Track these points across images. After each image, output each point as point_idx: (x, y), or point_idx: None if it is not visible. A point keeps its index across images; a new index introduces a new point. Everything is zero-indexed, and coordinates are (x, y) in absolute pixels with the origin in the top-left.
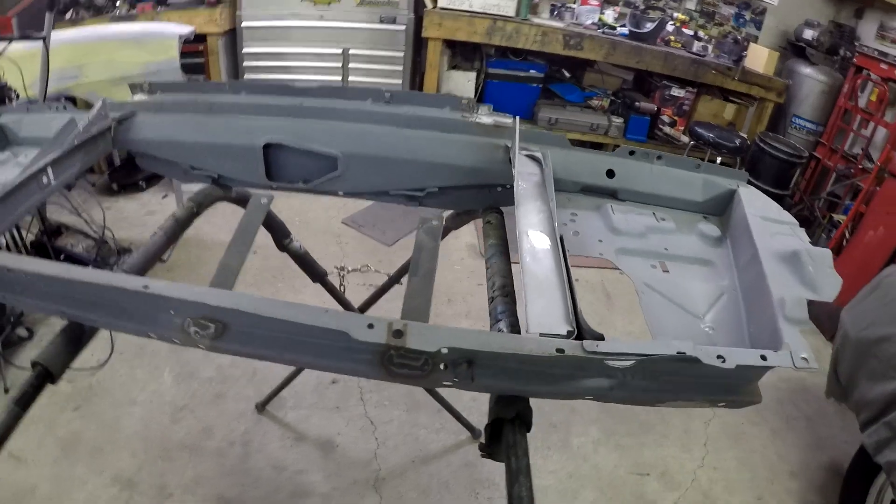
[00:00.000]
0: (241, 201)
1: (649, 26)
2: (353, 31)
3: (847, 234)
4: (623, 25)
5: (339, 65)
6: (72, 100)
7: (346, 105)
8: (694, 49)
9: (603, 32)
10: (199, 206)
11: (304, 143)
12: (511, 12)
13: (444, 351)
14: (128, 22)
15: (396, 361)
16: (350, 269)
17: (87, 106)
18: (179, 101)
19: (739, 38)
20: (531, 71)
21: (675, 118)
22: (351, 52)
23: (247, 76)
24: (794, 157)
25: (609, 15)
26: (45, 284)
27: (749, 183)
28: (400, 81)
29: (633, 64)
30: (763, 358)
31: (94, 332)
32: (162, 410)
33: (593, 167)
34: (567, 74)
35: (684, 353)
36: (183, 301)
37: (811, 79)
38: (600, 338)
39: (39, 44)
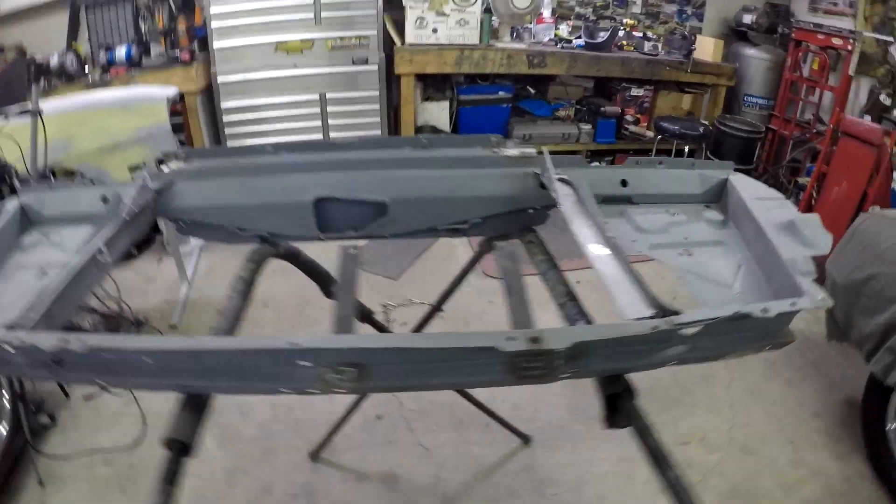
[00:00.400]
0: (289, 256)
1: (603, 35)
2: (327, 76)
3: (814, 194)
4: (578, 37)
5: (318, 110)
6: (53, 173)
7: (387, 154)
8: (646, 49)
9: (562, 47)
10: (258, 265)
11: (354, 193)
12: (475, 40)
13: (567, 347)
14: (105, 87)
15: (524, 366)
16: (395, 304)
17: (79, 176)
18: (220, 166)
19: (686, 33)
20: (500, 93)
21: (638, 116)
22: (328, 96)
23: (227, 131)
24: (753, 132)
25: (563, 30)
26: (168, 361)
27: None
28: (378, 119)
29: (593, 73)
30: (793, 304)
31: (212, 397)
32: (214, 476)
33: (609, 179)
34: (532, 91)
35: (739, 312)
36: (331, 350)
37: (756, 59)
38: (677, 313)
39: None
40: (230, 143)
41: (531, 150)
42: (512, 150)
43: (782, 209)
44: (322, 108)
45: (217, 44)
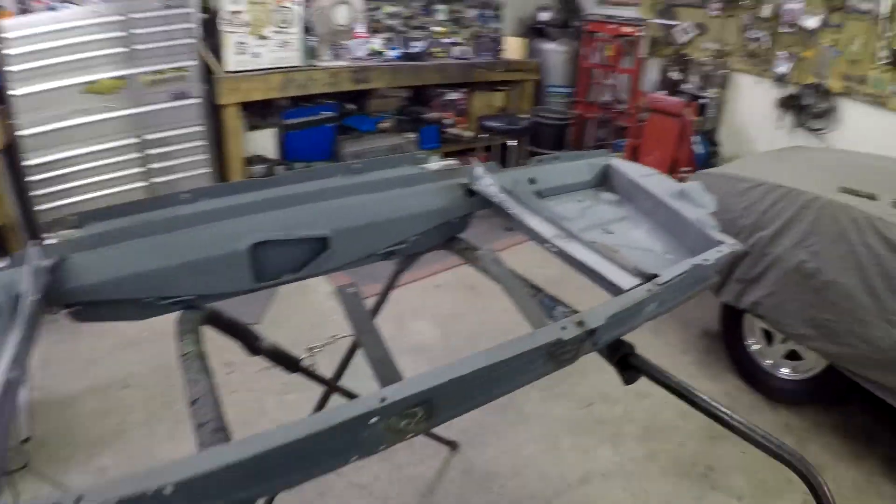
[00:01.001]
0: (212, 318)
1: (418, 45)
2: (145, 115)
3: None
4: (392, 49)
5: (138, 155)
6: None
7: (320, 185)
8: (457, 54)
9: (384, 61)
10: (197, 334)
11: (292, 231)
12: (298, 62)
13: (602, 324)
14: None
15: (560, 352)
16: (319, 345)
17: None
18: (125, 226)
19: (495, 35)
20: (324, 113)
21: (456, 118)
22: (147, 137)
23: (37, 192)
24: (564, 119)
25: (377, 42)
26: (205, 485)
27: (532, 151)
28: (205, 156)
29: (415, 82)
30: (719, 251)
31: None
32: None
33: (519, 179)
34: (353, 107)
35: (694, 264)
36: (403, 399)
37: (555, 52)
38: (656, 275)
39: None
40: (41, 207)
41: (454, 162)
42: (436, 165)
43: (664, 182)
44: (142, 153)
45: (16, 91)
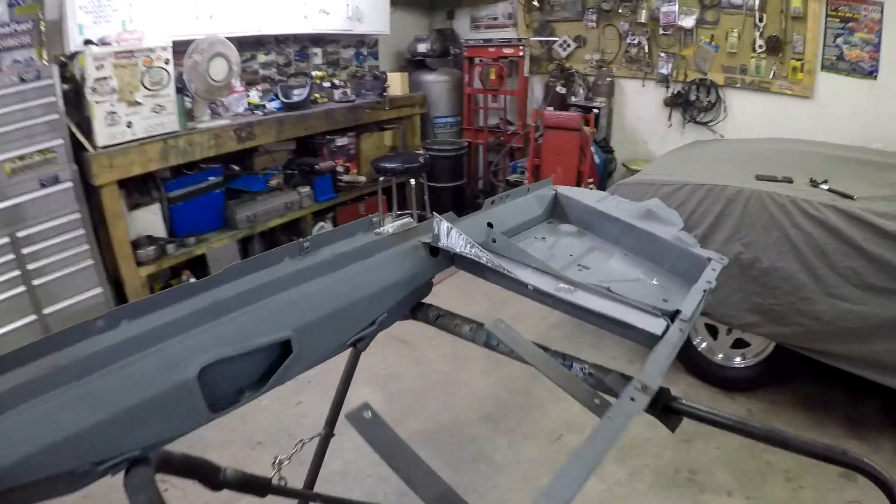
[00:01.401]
0: (163, 465)
1: (299, 93)
2: (12, 210)
3: None
4: (271, 100)
5: (12, 256)
6: None
7: (267, 276)
8: (337, 98)
9: (267, 114)
10: (156, 491)
11: (247, 342)
12: (176, 126)
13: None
14: None
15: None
16: (286, 456)
17: None
18: (28, 379)
19: (378, 72)
20: (210, 178)
21: (348, 164)
22: (19, 235)
23: None
24: (459, 149)
25: (255, 95)
26: None
27: (431, 186)
28: (87, 247)
29: (302, 132)
30: (714, 268)
31: None
32: None
33: (478, 226)
34: (238, 168)
35: (704, 290)
36: None
37: (437, 82)
38: (678, 311)
39: None
40: None
41: (410, 221)
42: (392, 226)
43: (622, 203)
44: (16, 253)
45: None
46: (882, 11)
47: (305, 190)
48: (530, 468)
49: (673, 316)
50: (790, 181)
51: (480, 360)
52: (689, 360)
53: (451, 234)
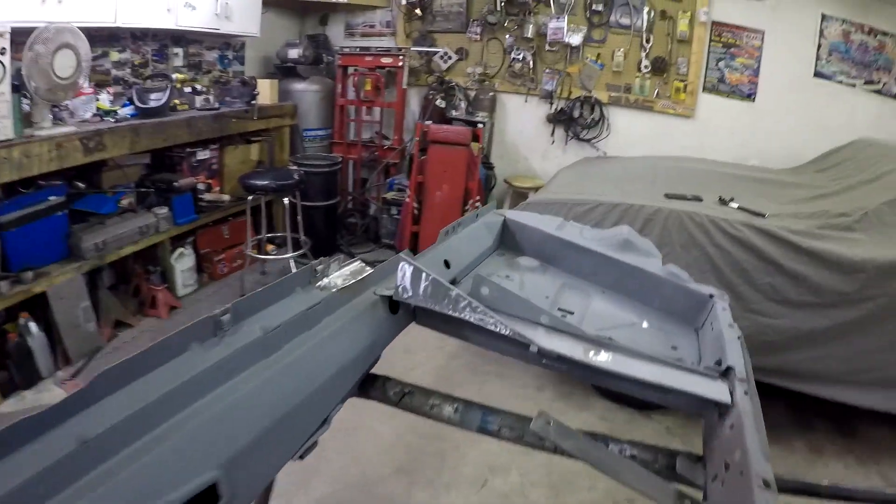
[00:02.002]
0: None
1: (157, 97)
2: None
3: (416, 205)
4: (124, 106)
5: None
6: None
7: (164, 383)
8: (198, 105)
9: (116, 121)
10: None
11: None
12: (10, 133)
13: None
14: None
15: None
16: None
17: None
18: None
19: (246, 78)
20: (50, 198)
21: (210, 181)
22: None
23: None
24: (333, 164)
25: (105, 99)
26: None
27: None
28: None
29: (160, 143)
30: (724, 308)
31: None
32: None
33: (436, 263)
34: (83, 186)
35: (740, 336)
36: None
37: (308, 92)
38: (721, 364)
39: None
40: None
41: (360, 266)
42: (340, 277)
43: (586, 231)
44: None
45: None
46: (763, 39)
47: (163, 211)
48: None
49: (726, 373)
50: (699, 199)
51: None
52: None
53: (425, 286)
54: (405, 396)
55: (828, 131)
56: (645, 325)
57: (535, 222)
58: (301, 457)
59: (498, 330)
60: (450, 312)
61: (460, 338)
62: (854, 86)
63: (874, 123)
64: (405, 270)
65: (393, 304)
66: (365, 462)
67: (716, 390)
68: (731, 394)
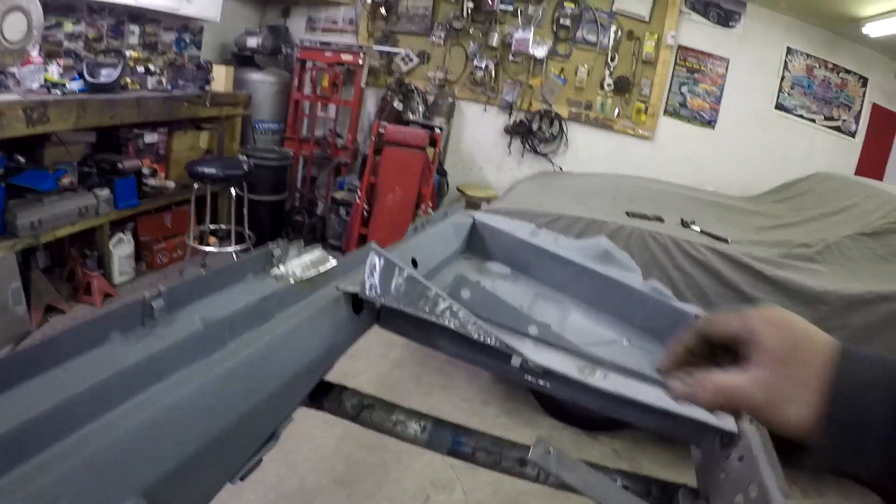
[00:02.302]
0: None
1: (109, 73)
2: None
3: (366, 207)
4: (73, 79)
5: None
6: None
7: (75, 382)
8: (150, 85)
9: (62, 94)
10: None
11: None
12: None
13: None
14: None
15: None
16: None
17: None
18: None
19: (202, 62)
20: None
21: (155, 166)
22: None
23: None
24: (284, 159)
25: (54, 71)
26: None
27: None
28: None
29: (108, 121)
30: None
31: None
32: None
33: (404, 262)
34: (23, 160)
35: None
36: None
37: (264, 83)
38: None
39: None
40: None
41: (323, 255)
42: (299, 264)
43: (561, 239)
44: None
45: None
46: (727, 67)
47: (104, 193)
48: None
49: None
50: (661, 220)
51: None
52: (549, 400)
53: (398, 283)
54: (364, 410)
55: (785, 163)
56: (626, 342)
57: (507, 227)
58: (242, 478)
59: (481, 339)
60: (424, 316)
61: (428, 345)
62: (814, 121)
63: (831, 160)
64: (376, 264)
65: (356, 303)
66: (302, 470)
67: (719, 417)
68: (736, 422)
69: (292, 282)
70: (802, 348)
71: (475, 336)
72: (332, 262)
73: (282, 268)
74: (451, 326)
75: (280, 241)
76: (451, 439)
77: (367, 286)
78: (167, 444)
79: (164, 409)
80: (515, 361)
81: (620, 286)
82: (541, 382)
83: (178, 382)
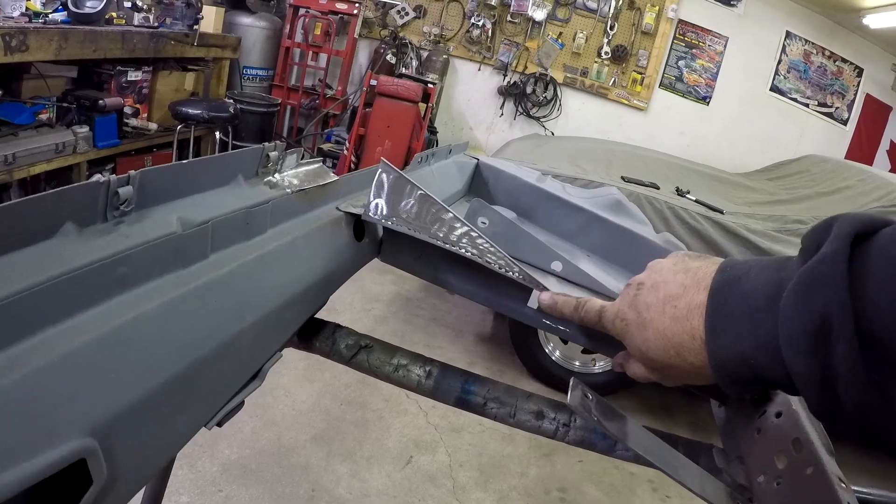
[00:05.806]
0: None
1: (93, 4)
2: None
3: (354, 159)
4: (56, 10)
5: None
6: None
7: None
8: (136, 21)
9: (44, 23)
10: None
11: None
12: None
13: None
14: None
15: None
16: None
17: None
18: None
19: (192, 0)
20: None
21: (138, 106)
22: None
23: None
24: (271, 106)
25: (37, 1)
26: None
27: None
28: None
29: (90, 54)
30: None
31: None
32: None
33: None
34: (1, 91)
35: None
36: None
37: (254, 27)
38: None
39: None
40: None
41: (319, 167)
42: (295, 175)
43: (570, 188)
44: None
45: None
46: (726, 45)
47: (83, 131)
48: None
49: None
50: (657, 187)
51: (299, 361)
52: (540, 369)
53: (409, 203)
54: (361, 351)
55: (775, 145)
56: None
57: (513, 170)
58: (219, 424)
59: (502, 271)
60: (437, 242)
61: (435, 280)
62: (807, 105)
63: (821, 145)
64: (384, 181)
65: (358, 229)
66: (279, 426)
67: None
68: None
69: (289, 192)
70: (658, 269)
71: (495, 268)
72: (333, 177)
73: (277, 176)
74: (469, 256)
75: (277, 143)
76: (460, 387)
77: (373, 206)
78: (126, 372)
79: (124, 326)
80: (532, 304)
81: (635, 237)
82: (560, 327)
83: (143, 295)
